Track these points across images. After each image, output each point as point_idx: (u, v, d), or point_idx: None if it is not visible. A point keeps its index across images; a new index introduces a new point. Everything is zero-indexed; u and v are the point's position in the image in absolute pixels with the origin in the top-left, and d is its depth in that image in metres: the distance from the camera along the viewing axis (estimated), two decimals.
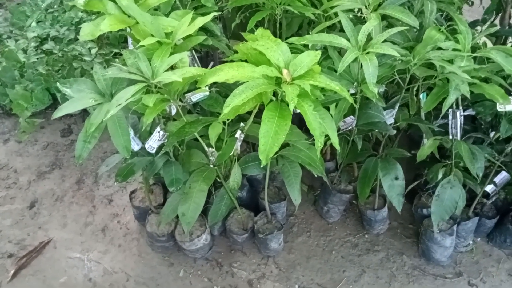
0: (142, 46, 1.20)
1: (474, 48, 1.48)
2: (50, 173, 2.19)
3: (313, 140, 1.17)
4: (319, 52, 1.16)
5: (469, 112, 1.62)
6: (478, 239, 1.89)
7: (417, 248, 1.86)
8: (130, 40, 1.54)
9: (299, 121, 1.40)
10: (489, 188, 1.72)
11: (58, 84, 1.24)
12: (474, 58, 1.42)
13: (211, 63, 1.75)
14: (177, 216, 1.63)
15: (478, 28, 2.08)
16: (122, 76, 1.13)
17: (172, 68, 1.21)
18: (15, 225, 1.95)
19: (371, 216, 1.86)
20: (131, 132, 1.36)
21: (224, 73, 1.11)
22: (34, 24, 2.60)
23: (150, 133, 1.42)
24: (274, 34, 1.73)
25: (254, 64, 1.17)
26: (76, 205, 2.04)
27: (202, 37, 1.33)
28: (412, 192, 1.80)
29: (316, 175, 1.52)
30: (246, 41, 1.40)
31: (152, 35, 1.23)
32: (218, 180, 1.54)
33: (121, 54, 2.53)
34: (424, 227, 1.76)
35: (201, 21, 1.23)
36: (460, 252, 1.84)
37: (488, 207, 1.82)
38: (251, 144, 1.91)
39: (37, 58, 2.32)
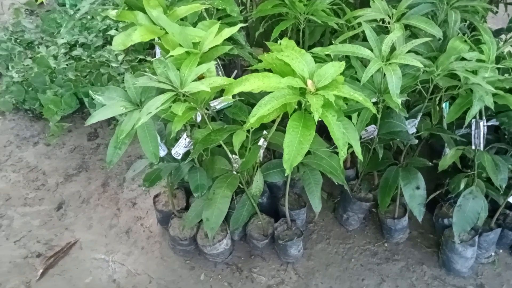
0: (171, 56, 1.24)
1: (498, 58, 1.47)
2: (77, 175, 2.26)
3: (335, 148, 1.20)
4: (343, 63, 1.18)
5: (493, 122, 1.62)
6: (501, 250, 1.87)
7: (438, 258, 1.85)
8: (158, 49, 1.59)
9: (319, 128, 1.42)
10: None
11: (90, 91, 1.30)
12: (499, 68, 1.42)
13: (235, 71, 1.80)
14: (199, 221, 1.68)
15: (503, 36, 2.06)
16: (152, 85, 1.18)
17: (199, 77, 1.25)
18: (43, 225, 2.03)
19: (391, 225, 1.86)
20: (158, 138, 1.40)
21: (250, 83, 1.14)
22: (63, 30, 2.69)
23: (176, 140, 1.46)
24: (297, 42, 1.76)
25: (278, 74, 1.20)
26: (101, 207, 2.11)
27: (228, 47, 1.37)
28: (433, 201, 1.80)
29: (336, 183, 1.53)
30: (269, 49, 1.44)
31: (180, 45, 1.28)
32: (240, 186, 1.57)
33: (146, 60, 2.60)
34: (445, 237, 1.76)
35: (228, 32, 1.27)
36: (481, 263, 1.82)
37: (511, 218, 1.80)
38: (272, 151, 1.93)
39: (67, 64, 2.41)
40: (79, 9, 3.03)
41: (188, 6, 1.38)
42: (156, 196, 1.95)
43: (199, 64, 1.24)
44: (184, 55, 1.27)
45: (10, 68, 2.54)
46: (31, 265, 1.86)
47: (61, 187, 2.20)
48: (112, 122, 2.49)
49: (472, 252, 1.71)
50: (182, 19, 1.43)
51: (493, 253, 1.84)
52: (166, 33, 1.29)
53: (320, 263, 1.87)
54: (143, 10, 1.33)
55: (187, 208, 1.87)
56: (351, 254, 1.90)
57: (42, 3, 3.54)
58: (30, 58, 2.57)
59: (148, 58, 2.62)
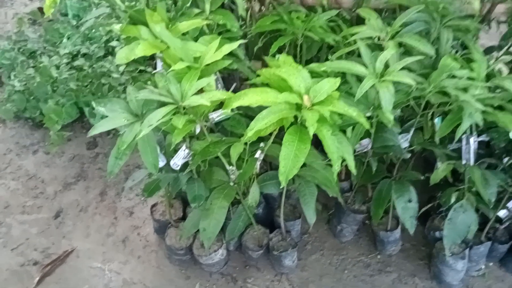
0: (173, 70, 1.28)
1: (489, 76, 1.52)
2: (75, 184, 2.28)
3: (329, 161, 1.24)
4: (338, 79, 1.22)
5: (483, 138, 1.66)
6: (491, 264, 1.90)
7: (429, 270, 1.88)
8: (158, 60, 1.63)
9: (314, 140, 1.46)
10: (502, 213, 1.73)
11: (93, 103, 1.33)
12: (489, 86, 1.47)
13: (234, 84, 1.84)
14: (196, 231, 1.70)
15: (494, 54, 2.11)
16: (153, 98, 1.22)
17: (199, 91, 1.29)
18: (41, 233, 2.05)
19: (384, 237, 1.89)
20: (157, 150, 1.43)
21: (248, 98, 1.18)
22: (65, 41, 2.74)
23: (175, 151, 1.50)
24: (295, 56, 1.81)
25: (276, 88, 1.24)
26: (99, 216, 2.13)
27: (228, 61, 1.41)
28: (426, 214, 1.83)
29: (331, 195, 1.57)
30: (267, 63, 1.49)
31: (181, 59, 1.32)
32: (237, 197, 1.61)
33: (146, 71, 2.65)
34: (437, 250, 1.79)
35: (228, 47, 1.31)
36: (472, 276, 1.86)
37: (501, 232, 1.84)
38: (268, 162, 1.97)
39: (69, 74, 2.45)
40: (81, 20, 3.09)
41: (189, 22, 1.43)
42: (153, 205, 1.97)
43: (199, 78, 1.28)
44: (185, 69, 1.32)
45: (12, 77, 2.58)
46: (28, 273, 1.88)
47: (60, 196, 2.23)
48: (111, 131, 2.52)
49: (463, 265, 1.74)
50: (183, 34, 1.47)
51: (483, 266, 1.87)
52: (168, 47, 1.34)
53: (314, 274, 1.89)
54: (146, 25, 1.38)
55: (183, 218, 1.90)
56: (345, 265, 1.93)
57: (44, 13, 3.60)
58: (33, 67, 2.61)
59: (148, 69, 2.66)
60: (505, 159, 1.66)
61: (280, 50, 1.72)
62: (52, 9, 1.48)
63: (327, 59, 1.80)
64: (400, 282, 1.86)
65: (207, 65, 1.35)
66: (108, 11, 1.54)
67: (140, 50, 1.27)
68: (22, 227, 2.07)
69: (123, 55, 1.30)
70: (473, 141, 1.56)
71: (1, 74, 2.87)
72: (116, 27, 1.35)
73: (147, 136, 1.30)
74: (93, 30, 2.79)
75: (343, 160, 1.24)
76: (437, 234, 1.82)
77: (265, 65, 1.83)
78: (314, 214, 1.59)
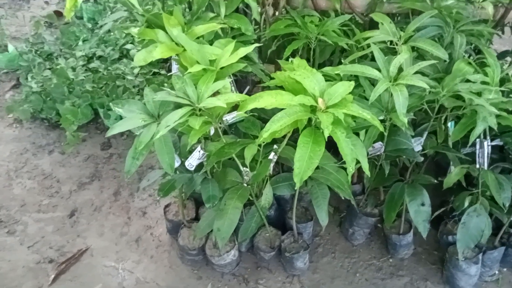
0: (189, 72, 1.31)
1: (502, 81, 1.53)
2: (90, 184, 2.32)
3: (342, 163, 1.25)
4: (352, 83, 1.24)
5: (497, 142, 1.66)
6: (505, 269, 1.89)
7: (442, 275, 1.88)
8: (174, 63, 1.66)
9: (326, 143, 1.47)
10: None
11: (111, 104, 1.36)
12: (503, 90, 1.47)
13: (247, 87, 1.86)
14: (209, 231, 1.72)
15: (508, 58, 2.10)
16: (170, 100, 1.24)
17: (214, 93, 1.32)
18: (56, 232, 2.08)
19: (396, 240, 1.89)
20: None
21: (263, 100, 1.20)
22: (81, 43, 2.80)
23: (190, 152, 1.52)
24: (308, 60, 1.83)
25: (290, 91, 1.26)
26: (113, 216, 2.16)
27: (242, 64, 1.43)
28: (438, 218, 1.83)
29: (343, 198, 1.58)
30: (280, 66, 1.51)
31: (198, 62, 1.35)
32: (250, 198, 1.62)
33: (160, 74, 2.69)
34: (449, 254, 1.78)
35: (243, 51, 1.33)
36: (485, 281, 1.85)
37: None
38: (280, 165, 1.98)
39: (85, 76, 2.50)
40: (97, 23, 3.15)
41: (205, 25, 1.45)
42: (166, 206, 2.00)
43: (215, 80, 1.30)
44: (201, 71, 1.34)
45: (29, 78, 2.64)
46: (43, 270, 1.91)
47: (74, 195, 2.27)
48: (125, 133, 2.56)
49: (476, 270, 1.74)
50: (198, 37, 1.50)
51: (497, 272, 1.86)
52: (185, 50, 1.36)
53: (326, 276, 1.90)
54: (163, 28, 1.41)
55: (196, 218, 1.93)
56: (356, 269, 1.93)
57: (61, 15, 3.67)
58: (49, 69, 2.67)
59: (162, 72, 2.71)
60: None
61: (293, 54, 1.74)
62: (72, 12, 1.52)
63: (340, 63, 1.81)
64: (412, 286, 1.86)
65: (222, 67, 1.37)
66: (126, 15, 1.57)
67: (158, 52, 1.30)
68: (38, 225, 2.11)
69: (142, 57, 1.33)
70: (487, 145, 1.56)
71: (19, 76, 2.94)
72: (134, 30, 1.38)
73: (164, 136, 1.33)
74: (110, 33, 2.84)
75: (357, 163, 1.25)
76: (449, 238, 1.82)
77: (278, 68, 1.85)
78: (326, 216, 1.60)
